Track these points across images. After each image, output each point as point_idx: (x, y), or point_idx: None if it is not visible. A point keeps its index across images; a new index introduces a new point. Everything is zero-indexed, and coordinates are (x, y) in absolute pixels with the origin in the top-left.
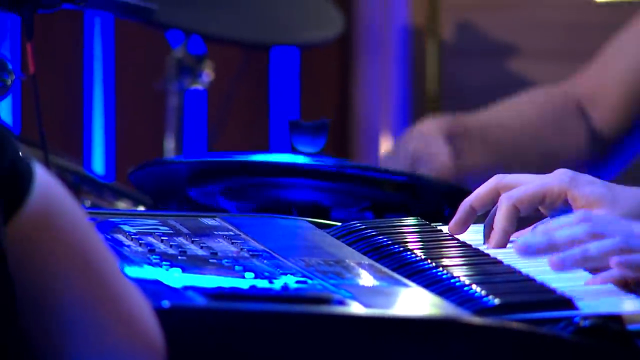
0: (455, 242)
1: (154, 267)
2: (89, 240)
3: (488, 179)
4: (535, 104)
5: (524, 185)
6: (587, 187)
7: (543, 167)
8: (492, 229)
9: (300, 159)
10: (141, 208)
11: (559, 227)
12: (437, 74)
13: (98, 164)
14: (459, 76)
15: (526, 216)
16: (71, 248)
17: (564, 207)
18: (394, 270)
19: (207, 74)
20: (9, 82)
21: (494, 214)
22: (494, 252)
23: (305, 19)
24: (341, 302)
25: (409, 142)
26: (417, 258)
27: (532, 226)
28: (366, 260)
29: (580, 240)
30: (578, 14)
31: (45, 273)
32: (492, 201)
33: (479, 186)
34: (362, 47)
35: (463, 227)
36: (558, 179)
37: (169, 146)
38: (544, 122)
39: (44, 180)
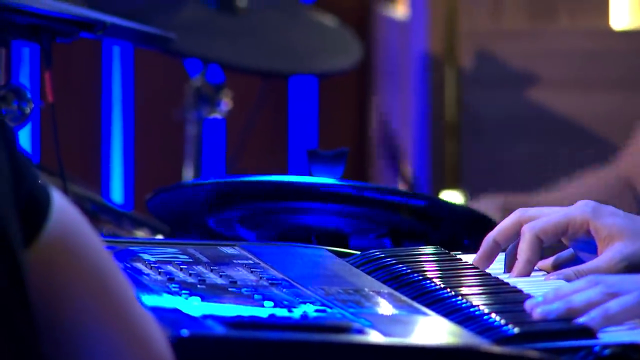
0: (475, 270)
1: (173, 295)
2: (105, 266)
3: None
4: (592, 185)
5: (546, 216)
6: (609, 219)
7: None
8: (515, 258)
9: (320, 182)
10: (159, 237)
11: (574, 292)
12: (456, 102)
13: (117, 193)
14: (477, 104)
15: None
16: (88, 273)
17: (586, 237)
18: (413, 298)
19: (226, 103)
20: (28, 110)
21: (516, 244)
22: (513, 281)
23: (323, 48)
24: (360, 331)
25: None
26: (437, 287)
27: (554, 256)
28: (385, 289)
29: (597, 302)
30: (597, 42)
31: (62, 297)
32: (516, 234)
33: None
34: (381, 75)
35: (488, 261)
36: (580, 210)
37: (188, 175)
38: (604, 199)
39: (62, 206)
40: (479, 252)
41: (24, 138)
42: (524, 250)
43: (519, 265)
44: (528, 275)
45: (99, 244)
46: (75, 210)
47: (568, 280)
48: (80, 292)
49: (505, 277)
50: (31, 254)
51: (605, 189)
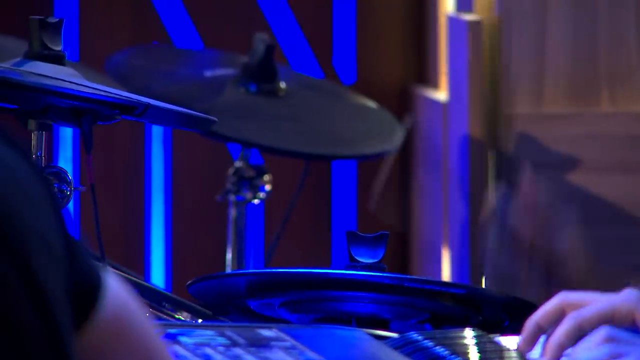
0: (513, 353)
1: None
2: (157, 350)
3: None
4: None
5: (591, 304)
6: None
7: None
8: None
9: (358, 273)
10: (200, 320)
11: (583, 349)
12: (496, 187)
13: (157, 276)
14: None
15: None
16: (140, 357)
17: (631, 327)
18: None
19: (267, 186)
20: (69, 193)
21: (556, 327)
22: None
23: (365, 131)
24: None
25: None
26: None
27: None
28: None
29: None
30: (637, 124)
31: None
32: (559, 319)
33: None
34: (422, 159)
35: (531, 346)
36: (626, 299)
37: (229, 258)
38: None
39: (115, 290)
40: (522, 336)
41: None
42: (560, 335)
43: (550, 347)
44: (558, 358)
45: (151, 329)
46: (129, 294)
47: None
48: None
49: None
50: (83, 336)
51: None
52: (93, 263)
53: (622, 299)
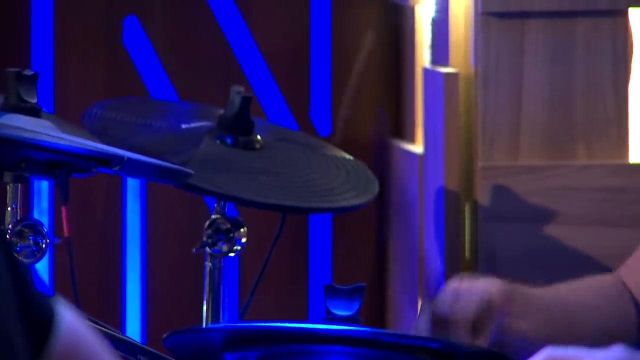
0: None
1: None
2: None
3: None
4: (590, 285)
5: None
6: None
7: (596, 343)
8: None
9: (335, 327)
10: None
11: None
12: (472, 238)
13: (133, 328)
14: (494, 241)
15: None
16: None
17: None
18: None
19: (243, 239)
20: (44, 245)
21: None
22: None
23: (340, 184)
24: None
25: (446, 302)
26: None
27: None
28: None
29: None
30: (614, 177)
31: None
32: None
33: (522, 354)
34: (398, 210)
35: None
36: (616, 356)
37: (205, 311)
38: (600, 300)
39: (70, 322)
40: None
41: (41, 273)
42: None
43: None
44: None
45: (107, 353)
46: (84, 326)
47: None
48: None
49: None
50: None
51: (604, 290)
52: (46, 298)
53: (611, 356)
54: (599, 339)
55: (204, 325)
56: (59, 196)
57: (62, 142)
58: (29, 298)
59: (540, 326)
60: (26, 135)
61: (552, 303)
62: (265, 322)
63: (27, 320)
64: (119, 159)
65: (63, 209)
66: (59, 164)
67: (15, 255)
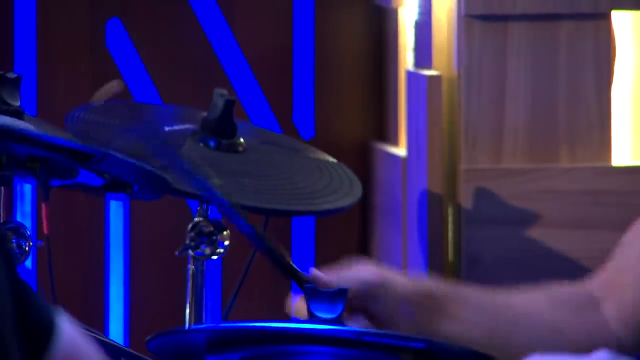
0: None
1: None
2: None
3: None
4: (546, 290)
5: None
6: None
7: (550, 347)
8: None
9: (319, 327)
10: None
11: None
12: (455, 241)
13: (116, 331)
14: (477, 244)
15: None
16: None
17: None
18: None
19: (226, 241)
20: (27, 248)
21: None
22: None
23: (323, 187)
24: None
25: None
26: None
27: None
28: None
29: None
30: (597, 179)
31: None
32: None
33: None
34: (381, 213)
35: None
36: None
37: (188, 314)
38: (555, 305)
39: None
40: None
41: (24, 276)
42: None
43: None
44: None
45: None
46: (83, 338)
47: None
48: None
49: None
50: None
51: (560, 295)
52: (46, 308)
53: None
54: (550, 347)
55: (187, 327)
56: (39, 193)
57: (44, 134)
58: (27, 309)
59: (471, 327)
60: (8, 122)
61: (493, 307)
62: (247, 323)
63: (26, 331)
64: (102, 154)
65: (43, 206)
66: (40, 160)
67: (16, 265)
